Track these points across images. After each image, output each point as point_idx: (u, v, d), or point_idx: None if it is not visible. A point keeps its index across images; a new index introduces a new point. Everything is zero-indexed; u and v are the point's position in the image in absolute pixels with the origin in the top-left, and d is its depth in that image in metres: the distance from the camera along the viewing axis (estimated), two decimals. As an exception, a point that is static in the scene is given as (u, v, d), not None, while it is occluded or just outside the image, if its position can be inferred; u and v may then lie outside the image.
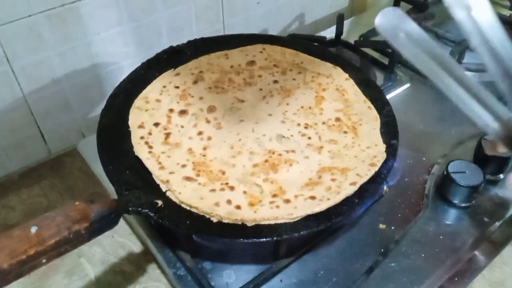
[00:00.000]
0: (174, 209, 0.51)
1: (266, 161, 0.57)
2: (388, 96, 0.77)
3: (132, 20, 0.73)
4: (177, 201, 0.51)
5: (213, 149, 0.58)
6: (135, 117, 0.61)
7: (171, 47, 0.70)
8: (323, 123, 0.62)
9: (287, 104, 0.65)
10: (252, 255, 0.56)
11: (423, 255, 0.56)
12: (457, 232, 0.59)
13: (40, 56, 0.66)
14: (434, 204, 0.62)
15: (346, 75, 0.68)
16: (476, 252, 0.57)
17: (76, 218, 0.43)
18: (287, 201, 0.51)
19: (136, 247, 0.62)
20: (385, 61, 0.83)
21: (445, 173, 0.61)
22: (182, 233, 0.52)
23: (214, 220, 0.49)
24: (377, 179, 0.54)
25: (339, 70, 0.69)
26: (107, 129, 0.58)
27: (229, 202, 0.51)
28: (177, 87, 0.66)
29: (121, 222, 0.62)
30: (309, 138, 0.60)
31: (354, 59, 0.83)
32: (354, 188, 0.52)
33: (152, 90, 0.64)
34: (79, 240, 0.43)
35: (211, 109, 0.64)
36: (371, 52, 0.86)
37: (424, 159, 0.68)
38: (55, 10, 0.64)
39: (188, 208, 0.50)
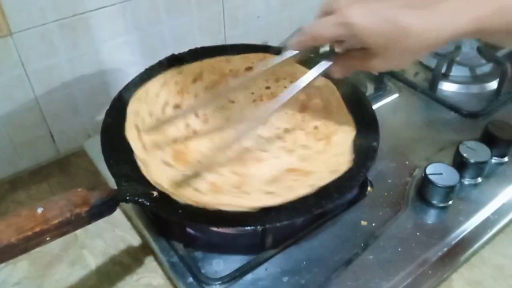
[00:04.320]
0: (168, 200, 0.54)
1: (239, 156, 0.61)
2: (377, 105, 0.81)
3: (138, 30, 0.77)
4: (147, 176, 0.56)
5: (195, 141, 0.63)
6: (133, 106, 0.66)
7: (173, 55, 0.75)
8: (302, 129, 0.65)
9: None
10: (240, 246, 0.59)
11: (399, 249, 0.59)
12: (433, 230, 0.62)
13: (51, 62, 0.70)
14: (414, 204, 0.65)
15: (335, 88, 0.71)
16: (451, 249, 0.60)
17: (78, 202, 0.47)
18: (247, 193, 0.56)
19: (135, 241, 0.65)
20: (376, 72, 0.87)
21: (423, 174, 0.64)
22: (173, 221, 0.56)
23: (179, 200, 0.54)
24: (343, 186, 0.57)
25: (329, 83, 0.72)
26: (111, 127, 0.63)
27: (195, 188, 0.56)
28: (177, 84, 0.71)
29: (122, 217, 0.67)
30: (285, 141, 0.63)
31: (346, 70, 0.87)
32: (310, 190, 0.55)
33: (153, 84, 0.70)
34: (80, 222, 0.47)
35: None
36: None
37: (407, 162, 0.71)
38: (67, 19, 0.68)
39: (155, 185, 0.55)
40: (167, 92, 0.69)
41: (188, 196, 0.54)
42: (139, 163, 0.58)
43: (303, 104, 0.69)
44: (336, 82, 0.73)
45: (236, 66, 0.76)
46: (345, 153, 0.61)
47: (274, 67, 0.58)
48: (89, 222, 0.49)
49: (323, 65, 0.56)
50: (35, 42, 0.67)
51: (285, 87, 0.72)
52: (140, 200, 0.53)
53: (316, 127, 0.65)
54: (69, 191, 0.48)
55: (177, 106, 0.68)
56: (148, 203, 0.53)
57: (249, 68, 0.75)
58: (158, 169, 0.57)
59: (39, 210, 0.45)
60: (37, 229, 0.44)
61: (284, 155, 0.61)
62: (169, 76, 0.72)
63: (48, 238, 0.45)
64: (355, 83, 0.72)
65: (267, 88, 0.72)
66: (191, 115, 0.66)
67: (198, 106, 0.68)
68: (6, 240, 0.42)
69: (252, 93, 0.71)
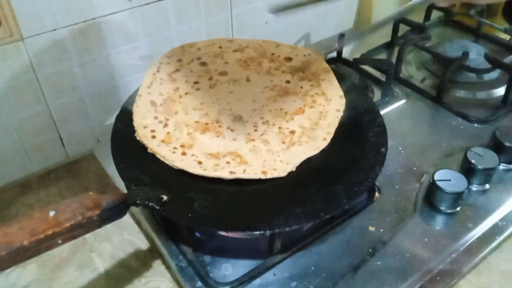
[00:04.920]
0: (178, 204, 0.55)
1: (206, 124, 0.64)
2: (384, 110, 0.82)
3: (147, 36, 0.78)
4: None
5: (186, 98, 0.69)
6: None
7: (183, 60, 0.76)
8: (279, 127, 0.65)
9: (274, 101, 0.69)
10: (248, 250, 0.60)
11: (408, 255, 0.59)
12: (441, 236, 0.62)
13: (62, 67, 0.71)
14: (422, 210, 0.65)
15: (339, 107, 0.68)
16: (459, 256, 0.60)
17: (89, 205, 0.47)
18: (184, 154, 0.60)
19: (143, 245, 0.65)
20: (383, 78, 0.87)
21: (431, 181, 0.64)
22: (183, 224, 0.57)
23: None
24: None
25: (341, 100, 0.69)
26: (121, 132, 0.63)
27: (153, 134, 0.62)
28: (221, 48, 0.78)
29: (130, 220, 0.67)
30: (256, 130, 0.64)
31: (354, 75, 0.87)
32: (229, 176, 0.57)
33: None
34: (91, 226, 0.48)
35: (223, 73, 0.72)
36: (370, 69, 0.90)
37: (414, 168, 0.71)
38: (78, 25, 0.69)
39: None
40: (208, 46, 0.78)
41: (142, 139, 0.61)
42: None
43: (301, 108, 0.69)
44: (343, 82, 0.73)
45: (280, 53, 0.77)
46: (290, 163, 0.60)
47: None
48: (100, 226, 0.49)
49: None
50: (47, 47, 0.68)
51: (301, 87, 0.72)
52: (150, 204, 0.53)
53: (292, 132, 0.65)
54: (81, 195, 0.49)
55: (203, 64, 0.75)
56: (158, 207, 0.54)
57: (288, 59, 0.76)
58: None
59: (51, 213, 0.46)
60: (49, 232, 0.44)
61: (242, 141, 0.63)
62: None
63: (59, 241, 0.46)
64: (363, 89, 0.72)
65: (287, 82, 0.73)
66: (205, 79, 0.71)
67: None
68: (18, 243, 0.43)
69: (271, 81, 0.73)
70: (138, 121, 0.64)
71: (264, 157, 0.61)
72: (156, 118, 0.65)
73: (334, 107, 0.68)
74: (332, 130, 0.65)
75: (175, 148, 0.61)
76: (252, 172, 0.58)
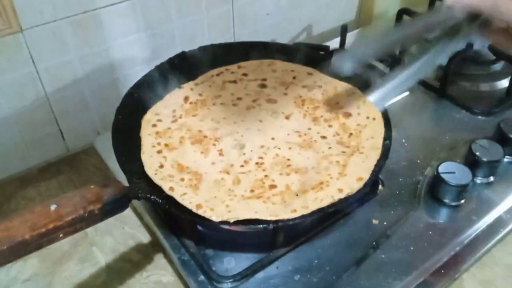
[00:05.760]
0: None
1: (205, 137, 0.64)
2: (388, 103, 0.81)
3: (148, 28, 0.77)
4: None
5: (216, 108, 0.68)
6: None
7: (183, 52, 0.75)
8: (266, 175, 0.58)
9: (290, 148, 0.63)
10: (251, 244, 0.59)
11: (412, 248, 0.59)
12: (445, 229, 0.61)
13: (62, 59, 0.70)
14: (426, 202, 0.65)
15: (346, 192, 0.56)
16: (463, 249, 0.60)
17: (91, 199, 0.47)
18: (160, 152, 0.61)
19: (145, 238, 0.65)
20: (386, 70, 0.87)
21: (435, 173, 0.64)
22: (185, 218, 0.56)
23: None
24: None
25: (356, 184, 0.56)
26: (121, 124, 0.63)
27: (156, 123, 0.64)
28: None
29: (131, 214, 0.67)
30: (242, 166, 0.60)
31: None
32: (167, 190, 0.55)
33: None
34: (93, 219, 0.48)
35: (271, 101, 0.70)
36: (373, 61, 0.89)
37: (418, 161, 0.71)
38: (78, 16, 0.68)
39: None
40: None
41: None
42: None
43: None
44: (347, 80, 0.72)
45: (344, 103, 0.69)
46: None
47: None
48: (101, 220, 0.49)
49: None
50: (46, 39, 0.67)
51: (330, 148, 0.63)
52: (152, 197, 0.53)
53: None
54: (82, 188, 0.49)
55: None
56: (160, 201, 0.53)
57: (348, 115, 0.67)
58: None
59: (53, 207, 0.45)
60: (51, 225, 0.44)
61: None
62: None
63: (61, 235, 0.45)
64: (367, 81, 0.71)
65: (323, 137, 0.64)
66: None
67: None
68: (20, 237, 0.43)
69: (309, 128, 0.66)
70: (156, 107, 0.66)
71: (218, 194, 0.55)
72: (174, 111, 0.66)
73: (340, 186, 0.56)
74: (306, 209, 0.53)
75: (159, 143, 0.61)
76: (188, 201, 0.54)
